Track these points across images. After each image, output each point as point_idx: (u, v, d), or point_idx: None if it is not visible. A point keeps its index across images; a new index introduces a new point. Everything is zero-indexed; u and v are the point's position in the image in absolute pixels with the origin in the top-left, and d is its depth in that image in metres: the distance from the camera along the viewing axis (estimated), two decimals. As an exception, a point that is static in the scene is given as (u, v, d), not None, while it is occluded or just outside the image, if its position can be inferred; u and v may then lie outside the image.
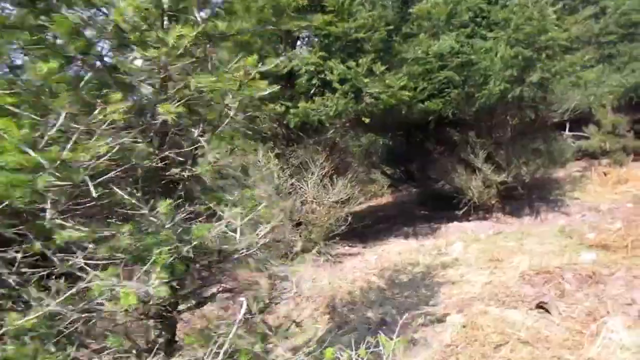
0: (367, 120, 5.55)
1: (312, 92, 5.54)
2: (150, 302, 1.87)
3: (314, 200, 6.35)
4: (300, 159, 6.24)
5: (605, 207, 7.18)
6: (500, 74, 5.92)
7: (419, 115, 7.74)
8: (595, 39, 13.41)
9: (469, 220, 8.14)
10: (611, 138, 11.69)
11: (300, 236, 6.06)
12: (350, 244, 7.53)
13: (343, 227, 6.92)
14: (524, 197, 8.06)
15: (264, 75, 2.07)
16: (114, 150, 1.53)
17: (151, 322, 2.11)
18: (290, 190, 6.37)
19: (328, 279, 5.54)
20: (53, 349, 1.51)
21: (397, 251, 6.39)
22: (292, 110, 5.44)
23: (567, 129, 13.32)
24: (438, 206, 8.85)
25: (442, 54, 6.78)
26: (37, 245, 1.50)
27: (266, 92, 2.02)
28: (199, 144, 2.01)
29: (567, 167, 13.71)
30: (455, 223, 7.89)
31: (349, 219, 7.39)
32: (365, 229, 8.78)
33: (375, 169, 11.48)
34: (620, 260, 4.70)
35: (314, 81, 5.35)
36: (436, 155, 8.27)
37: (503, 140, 7.27)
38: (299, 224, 6.58)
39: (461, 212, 7.69)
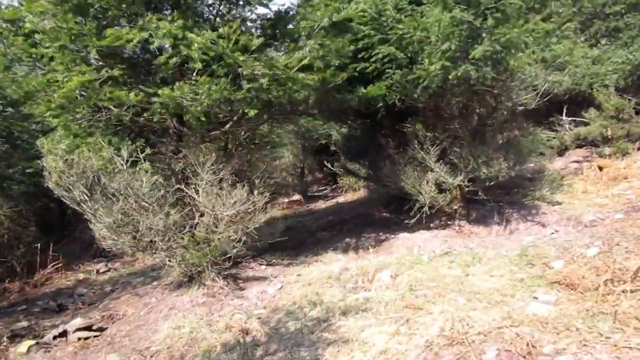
0: (251, 113, 4.14)
1: (171, 74, 4.14)
2: None
3: (211, 213, 5.00)
4: (185, 161, 4.86)
5: (589, 217, 5.70)
6: (437, 48, 4.44)
7: (361, 103, 6.30)
8: (600, 9, 11.67)
9: (429, 228, 6.75)
10: (614, 124, 10.08)
11: (177, 259, 4.73)
12: (270, 262, 6.20)
13: (258, 242, 5.62)
14: (492, 202, 6.61)
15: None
16: None
17: None
18: (178, 200, 5.03)
19: (193, 323, 4.21)
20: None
21: (311, 279, 5.04)
22: (154, 99, 4.05)
23: (564, 113, 11.74)
24: (402, 208, 7.47)
25: (380, 23, 5.30)
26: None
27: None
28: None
29: (566, 155, 12.23)
30: (406, 234, 6.49)
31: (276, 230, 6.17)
32: (309, 236, 7.47)
33: (338, 163, 10.09)
34: (583, 315, 3.30)
35: (174, 59, 3.94)
36: (389, 151, 6.82)
37: (461, 134, 5.78)
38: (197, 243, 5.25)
39: (413, 220, 6.27)
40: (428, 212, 6.29)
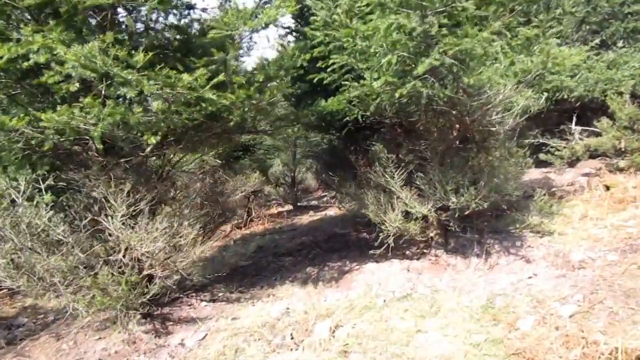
0: (151, 140, 3.48)
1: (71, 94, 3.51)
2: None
3: (128, 248, 4.37)
4: (100, 191, 4.23)
5: (578, 256, 4.87)
6: (378, 61, 3.69)
7: (321, 118, 5.61)
8: (618, 9, 10.64)
9: (404, 256, 6.02)
10: (628, 135, 9.08)
11: (84, 303, 4.11)
12: (216, 296, 5.57)
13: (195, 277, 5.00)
14: (473, 229, 5.82)
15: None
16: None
17: None
18: (93, 235, 4.43)
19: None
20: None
21: (241, 327, 4.38)
22: (42, 124, 3.45)
23: (573, 123, 10.78)
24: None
25: (334, 29, 4.57)
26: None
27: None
28: None
29: (577, 166, 11.25)
30: (372, 265, 5.76)
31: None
32: (274, 261, 6.82)
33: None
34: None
35: (54, 78, 3.30)
36: (357, 170, 6.10)
37: (429, 156, 5.00)
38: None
39: (379, 250, 5.53)
40: (396, 242, 5.56)
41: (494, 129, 4.47)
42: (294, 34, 6.13)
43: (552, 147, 10.98)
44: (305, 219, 10.48)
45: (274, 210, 12.69)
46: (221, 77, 3.54)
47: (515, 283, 4.49)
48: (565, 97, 10.46)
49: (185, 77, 3.31)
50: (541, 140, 11.53)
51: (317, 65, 5.15)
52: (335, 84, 5.07)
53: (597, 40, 10.71)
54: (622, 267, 4.34)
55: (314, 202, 13.59)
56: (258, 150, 11.34)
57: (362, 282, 5.33)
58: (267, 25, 3.78)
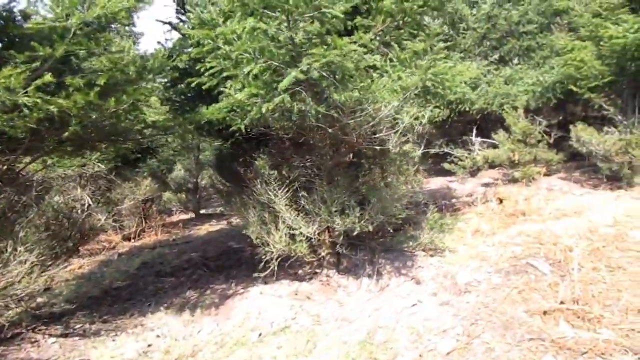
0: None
1: None
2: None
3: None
4: None
5: (465, 277, 4.74)
6: (241, 70, 3.20)
7: (204, 126, 5.03)
8: (515, 28, 11.09)
9: (295, 276, 5.60)
10: (521, 148, 9.43)
11: None
12: (71, 328, 4.77)
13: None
14: (365, 248, 5.55)
15: None
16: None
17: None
18: None
19: None
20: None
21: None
22: None
23: (474, 134, 11.09)
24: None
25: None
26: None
27: None
28: None
29: (478, 176, 11.60)
30: (257, 289, 5.28)
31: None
32: (154, 281, 6.09)
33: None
34: None
35: None
36: (244, 183, 5.57)
37: (318, 172, 4.62)
38: None
39: (263, 274, 5.05)
40: (286, 262, 5.15)
41: (380, 147, 4.18)
42: (176, 31, 5.48)
43: (455, 157, 11.22)
44: (204, 229, 9.78)
45: (175, 218, 11.82)
46: (47, 77, 2.86)
47: (399, 312, 4.22)
48: (467, 109, 10.73)
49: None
50: (445, 150, 11.78)
51: (197, 67, 4.57)
52: (216, 89, 4.51)
53: (496, 56, 11.14)
54: (505, 291, 4.23)
55: (220, 209, 12.85)
56: (162, 153, 10.41)
57: (242, 310, 4.82)
58: (107, 20, 3.14)
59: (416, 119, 4.16)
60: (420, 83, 3.31)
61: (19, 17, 3.25)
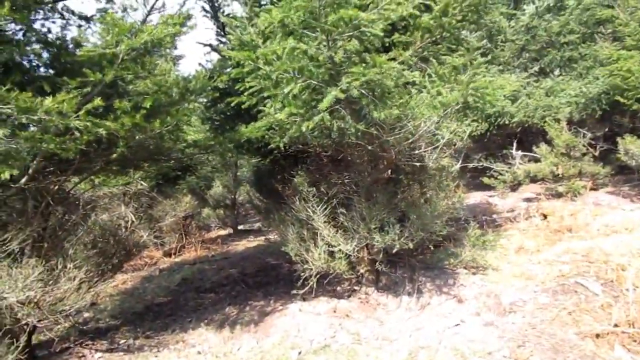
0: (5, 175, 2.85)
1: None
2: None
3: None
4: None
5: (510, 297, 4.58)
6: (281, 89, 3.25)
7: (244, 145, 5.14)
8: (555, 39, 10.82)
9: (334, 293, 5.58)
10: (565, 161, 9.11)
11: None
12: (116, 343, 4.89)
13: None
14: (404, 265, 5.47)
15: None
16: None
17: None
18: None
19: None
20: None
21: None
22: None
23: (514, 147, 10.81)
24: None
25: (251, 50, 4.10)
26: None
27: None
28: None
29: (519, 190, 11.28)
30: (297, 306, 5.27)
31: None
32: (194, 297, 6.20)
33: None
34: None
35: None
36: (283, 200, 5.63)
37: (357, 189, 4.61)
38: None
39: (302, 291, 5.05)
40: (324, 278, 5.14)
41: (419, 163, 4.13)
42: (216, 53, 5.65)
43: (495, 171, 10.96)
44: (242, 244, 9.90)
45: (214, 234, 12.03)
46: (97, 101, 3.00)
47: (441, 332, 4.11)
48: (507, 122, 10.50)
49: (47, 101, 2.75)
50: (485, 164, 11.52)
51: (236, 87, 4.68)
52: (255, 108, 4.60)
53: (536, 68, 10.88)
54: (553, 312, 4.05)
55: (257, 225, 12.99)
56: (201, 170, 10.68)
57: (281, 327, 4.82)
58: (152, 45, 3.27)
59: (456, 134, 4.10)
60: (462, 98, 3.26)
61: (71, 45, 3.44)
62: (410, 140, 3.66)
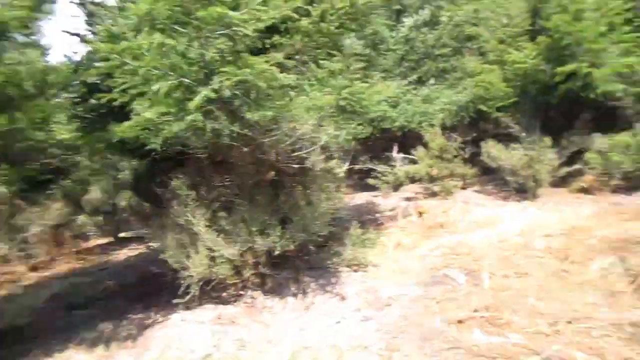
0: None
1: None
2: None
3: None
4: None
5: (388, 291, 4.84)
6: (149, 88, 3.12)
7: (117, 145, 4.76)
8: (431, 51, 11.70)
9: (219, 300, 5.38)
10: (439, 163, 9.87)
11: None
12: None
13: None
14: (289, 267, 5.50)
15: None
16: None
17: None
18: None
19: None
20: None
21: None
22: None
23: (394, 150, 11.48)
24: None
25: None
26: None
27: None
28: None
29: (401, 190, 11.94)
30: (178, 316, 5.03)
31: None
32: (66, 314, 5.59)
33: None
34: None
35: None
36: (165, 205, 5.32)
37: (239, 192, 4.53)
38: None
39: (184, 300, 4.82)
40: (208, 285, 4.96)
41: (300, 165, 4.19)
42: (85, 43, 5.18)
43: (378, 172, 11.54)
44: (123, 253, 9.24)
45: (92, 244, 11.05)
46: None
47: (324, 330, 4.20)
48: (389, 126, 11.13)
49: None
50: (370, 166, 12.07)
51: (106, 83, 4.34)
52: (129, 106, 4.29)
53: (415, 76, 11.69)
54: (422, 304, 4.36)
55: (142, 231, 12.18)
56: (75, 173, 9.70)
57: (161, 340, 4.56)
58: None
59: (336, 137, 4.23)
60: (334, 102, 3.36)
61: None
62: (288, 142, 3.69)
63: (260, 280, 5.50)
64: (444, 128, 10.43)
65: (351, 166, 11.74)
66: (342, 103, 3.47)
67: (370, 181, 11.29)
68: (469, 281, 4.67)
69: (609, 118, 8.22)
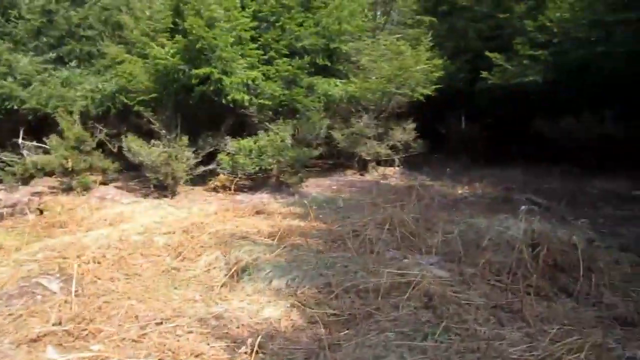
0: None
1: None
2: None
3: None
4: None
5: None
6: None
7: None
8: (75, 30, 10.40)
9: None
10: (76, 155, 8.82)
11: None
12: None
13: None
14: None
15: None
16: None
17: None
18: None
19: None
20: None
21: None
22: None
23: (20, 136, 9.73)
24: None
25: None
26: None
27: None
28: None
29: (31, 184, 10.05)
30: None
31: None
32: None
33: None
34: None
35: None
36: None
37: None
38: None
39: None
40: None
41: None
42: None
43: (2, 161, 9.52)
44: None
45: None
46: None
47: None
48: (16, 107, 9.37)
49: None
50: (-1, 154, 9.79)
51: None
52: None
53: (54, 55, 10.20)
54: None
55: None
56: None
57: None
58: None
59: None
60: None
61: None
62: None
63: None
64: (89, 117, 9.50)
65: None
66: None
67: (-5, 171, 9.19)
68: (65, 289, 4.14)
69: (241, 123, 9.24)
